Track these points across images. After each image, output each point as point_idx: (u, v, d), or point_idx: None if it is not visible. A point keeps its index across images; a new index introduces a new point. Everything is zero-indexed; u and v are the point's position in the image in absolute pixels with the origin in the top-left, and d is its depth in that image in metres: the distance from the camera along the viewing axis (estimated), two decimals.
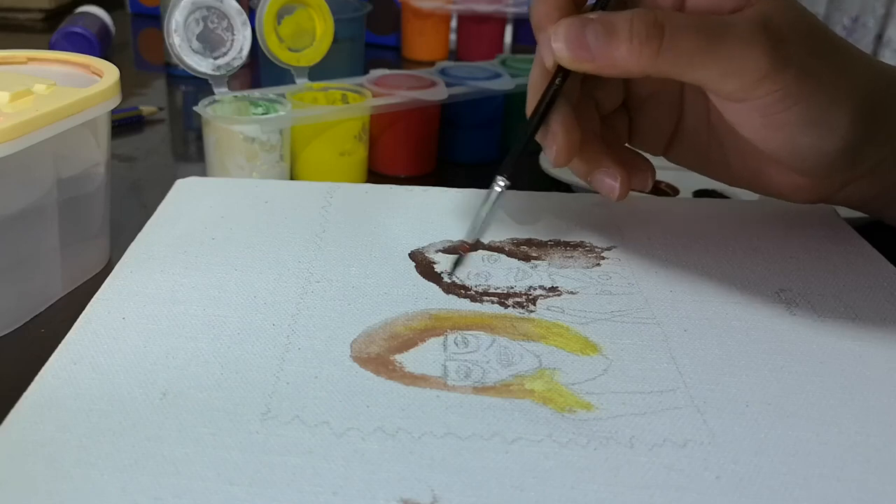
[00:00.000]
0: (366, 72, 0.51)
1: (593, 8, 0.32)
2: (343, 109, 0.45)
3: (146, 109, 0.58)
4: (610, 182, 0.34)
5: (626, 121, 0.37)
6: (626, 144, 0.38)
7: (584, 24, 0.29)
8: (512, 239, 0.36)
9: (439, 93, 0.48)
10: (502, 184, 0.33)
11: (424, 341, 0.29)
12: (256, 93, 0.45)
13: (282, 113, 0.43)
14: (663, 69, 0.29)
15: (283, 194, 0.39)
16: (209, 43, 0.43)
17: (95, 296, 0.30)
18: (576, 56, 0.29)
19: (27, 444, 0.23)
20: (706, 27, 0.29)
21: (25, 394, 0.25)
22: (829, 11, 0.96)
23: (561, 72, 0.32)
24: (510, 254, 0.35)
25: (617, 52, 0.29)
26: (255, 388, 0.26)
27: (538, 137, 0.33)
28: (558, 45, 0.30)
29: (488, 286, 0.32)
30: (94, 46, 0.69)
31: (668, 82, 0.35)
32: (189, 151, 0.54)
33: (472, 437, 0.24)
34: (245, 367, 0.27)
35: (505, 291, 0.32)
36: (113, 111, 0.34)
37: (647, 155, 0.37)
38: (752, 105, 0.30)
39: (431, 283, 0.32)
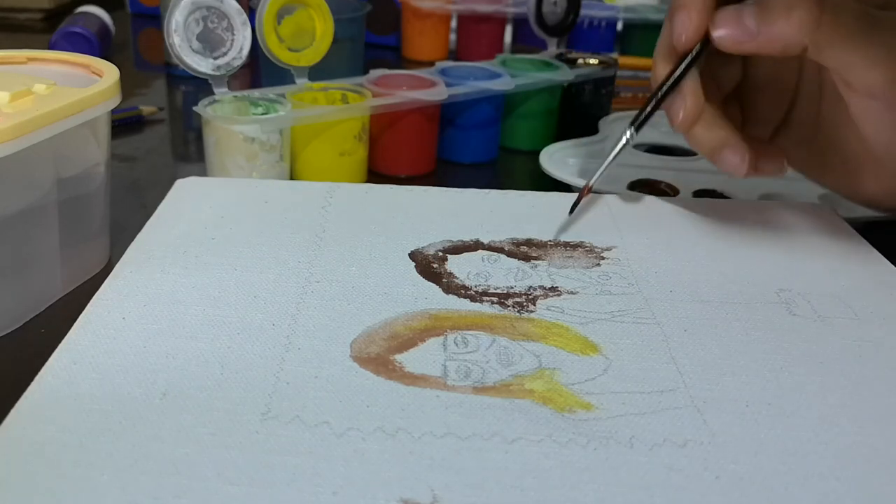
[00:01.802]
0: (366, 72, 0.51)
1: None
2: (343, 109, 0.45)
3: (146, 109, 0.58)
4: (736, 160, 0.34)
5: (738, 109, 0.38)
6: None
7: (741, 9, 0.31)
8: (512, 239, 0.36)
9: (439, 93, 0.48)
10: (629, 134, 0.35)
11: (424, 341, 0.29)
12: (256, 93, 0.45)
13: (282, 113, 0.43)
14: (819, 44, 0.30)
15: (283, 194, 0.39)
16: (209, 43, 0.43)
17: (95, 296, 0.30)
18: (735, 39, 0.31)
19: (27, 444, 0.23)
20: (863, 11, 0.30)
21: (25, 394, 0.25)
22: None
23: (699, 45, 0.34)
24: (510, 254, 0.35)
25: (775, 25, 0.30)
26: (255, 388, 0.26)
27: (664, 105, 0.35)
28: (719, 32, 0.31)
29: (488, 286, 0.32)
30: (94, 46, 0.69)
31: (786, 69, 0.36)
32: (189, 151, 0.54)
33: (472, 437, 0.24)
34: (245, 367, 0.27)
35: (505, 291, 0.32)
36: (113, 111, 0.34)
37: None
38: (883, 102, 0.31)
39: (431, 283, 0.32)
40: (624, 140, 0.35)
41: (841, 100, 0.33)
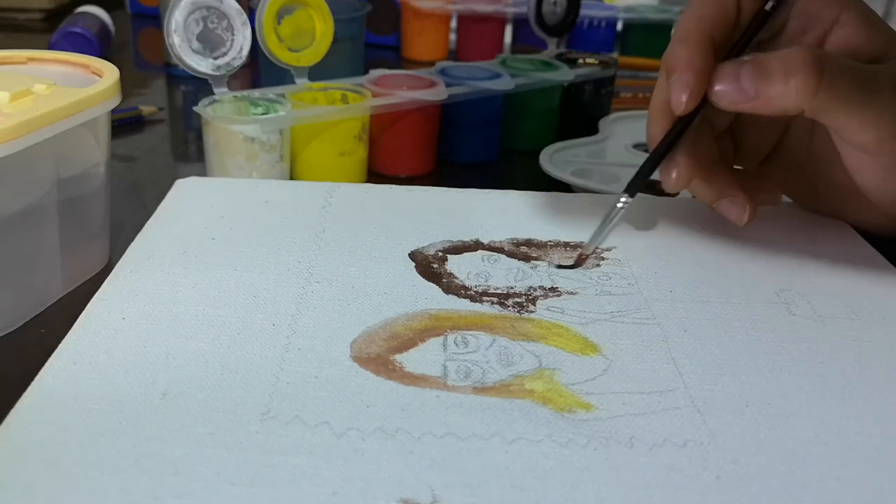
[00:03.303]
0: (366, 72, 0.51)
1: (734, 50, 0.33)
2: (343, 109, 0.45)
3: (146, 109, 0.58)
4: (736, 210, 0.35)
5: (731, 141, 0.38)
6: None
7: (739, 67, 0.30)
8: (512, 239, 0.36)
9: (439, 93, 0.48)
10: (624, 200, 0.34)
11: (424, 341, 0.29)
12: (256, 93, 0.45)
13: (282, 113, 0.43)
14: (817, 110, 0.29)
15: (283, 194, 0.39)
16: (209, 43, 0.43)
17: (95, 296, 0.30)
18: (732, 99, 0.30)
19: (27, 444, 0.23)
20: (861, 72, 0.30)
21: (25, 394, 0.25)
22: None
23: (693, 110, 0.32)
24: (510, 254, 0.35)
25: (773, 91, 0.29)
26: (255, 388, 0.26)
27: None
28: (717, 88, 0.31)
29: (488, 286, 0.32)
30: (94, 46, 0.69)
31: None
32: (189, 151, 0.54)
33: (472, 437, 0.24)
34: (245, 367, 0.26)
35: (505, 291, 0.32)
36: (113, 111, 0.34)
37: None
38: (877, 159, 0.31)
39: (431, 284, 0.32)
40: (620, 206, 0.34)
41: (836, 148, 0.33)
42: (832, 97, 0.29)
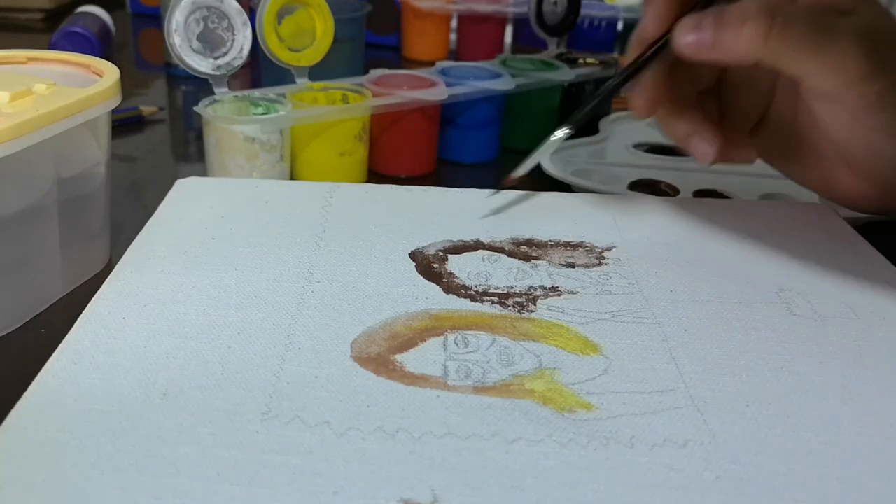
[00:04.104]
0: (366, 72, 0.51)
1: (699, 2, 0.35)
2: (343, 109, 0.45)
3: (146, 109, 0.58)
4: (705, 146, 0.36)
5: (717, 104, 0.39)
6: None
7: (700, 18, 0.32)
8: (512, 239, 0.36)
9: (439, 93, 0.48)
10: (562, 133, 0.37)
11: (425, 341, 0.29)
12: (256, 93, 0.45)
13: (282, 113, 0.43)
14: (771, 55, 0.31)
15: (283, 194, 0.39)
16: (209, 43, 0.43)
17: (95, 296, 0.30)
18: (694, 48, 0.32)
19: (27, 444, 0.23)
20: (814, 20, 0.31)
21: (25, 394, 0.25)
22: None
23: (660, 41, 0.35)
24: (510, 254, 0.35)
25: (728, 37, 0.31)
26: (256, 387, 0.26)
27: (627, 92, 0.36)
28: (679, 39, 0.32)
29: (488, 286, 0.32)
30: (95, 46, 0.69)
31: (763, 69, 0.36)
32: (189, 151, 0.54)
33: (473, 437, 0.24)
34: (245, 367, 0.27)
35: (505, 291, 0.32)
36: (113, 111, 0.34)
37: None
38: (843, 105, 0.32)
39: (432, 283, 0.32)
40: (558, 137, 0.37)
41: (812, 104, 0.34)
42: (784, 41, 0.30)
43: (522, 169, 0.37)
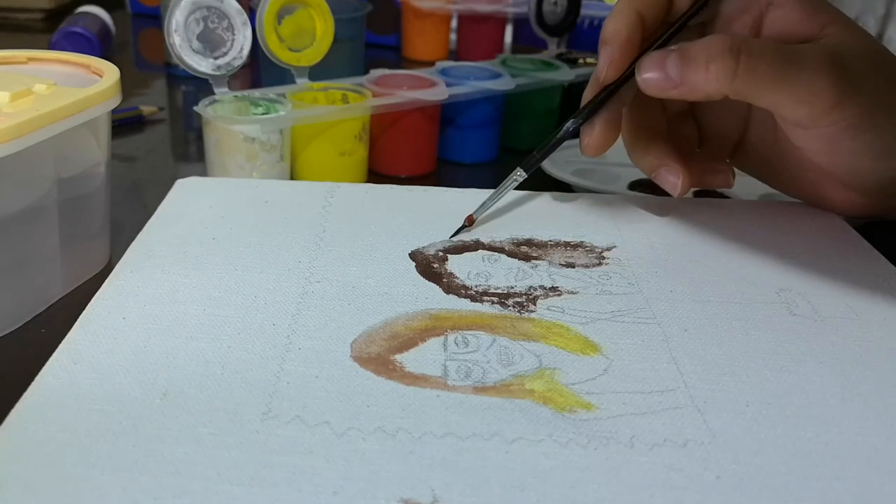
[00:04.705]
0: (366, 72, 0.51)
1: (662, 38, 0.35)
2: (343, 109, 0.45)
3: (146, 109, 0.58)
4: (672, 179, 0.36)
5: (695, 128, 0.39)
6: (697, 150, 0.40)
7: (665, 56, 0.31)
8: (512, 239, 0.36)
9: (439, 93, 0.48)
10: (519, 177, 0.37)
11: (425, 341, 0.29)
12: (256, 93, 0.45)
13: (282, 113, 0.43)
14: (739, 92, 0.31)
15: (283, 194, 0.39)
16: (209, 43, 0.43)
17: (95, 296, 0.30)
18: (658, 86, 0.32)
19: (27, 444, 0.23)
20: (780, 53, 0.30)
21: (25, 394, 0.25)
22: None
23: (616, 83, 0.35)
24: (510, 254, 0.35)
25: (695, 76, 0.31)
26: (256, 387, 0.26)
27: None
28: (643, 76, 0.32)
29: (488, 286, 0.32)
30: (95, 46, 0.69)
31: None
32: (189, 151, 0.54)
33: (473, 437, 0.24)
34: (245, 367, 0.27)
35: (505, 291, 0.32)
36: (113, 111, 0.34)
37: None
38: (818, 132, 0.32)
39: (432, 283, 0.32)
40: (515, 181, 0.37)
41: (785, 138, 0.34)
42: (751, 78, 0.30)
43: (481, 211, 0.37)
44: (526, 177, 0.37)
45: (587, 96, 0.36)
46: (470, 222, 0.36)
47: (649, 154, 0.36)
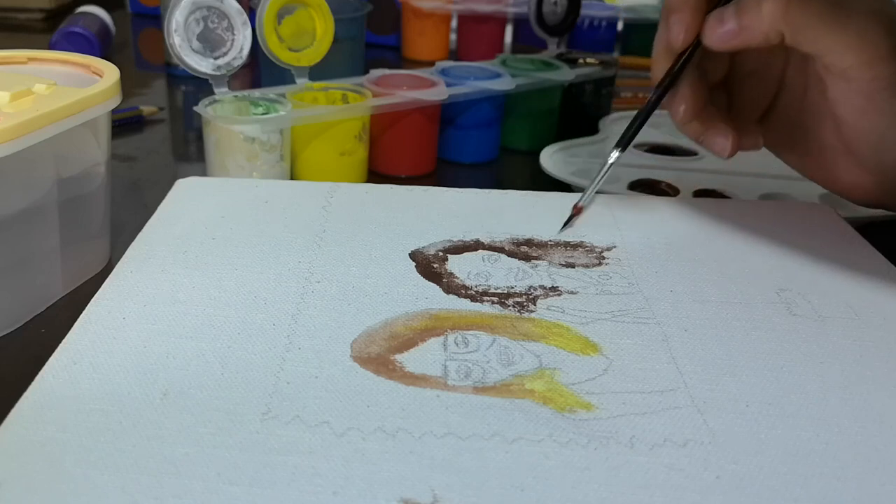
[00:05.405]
0: (366, 72, 0.51)
1: None
2: (343, 109, 0.45)
3: (146, 109, 0.58)
4: (722, 140, 0.37)
5: (725, 97, 0.40)
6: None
7: (723, 11, 0.34)
8: (512, 239, 0.36)
9: (439, 93, 0.48)
10: (615, 157, 0.38)
11: (425, 341, 0.29)
12: (257, 93, 0.45)
13: (282, 113, 0.43)
14: (790, 30, 0.32)
15: (283, 194, 0.39)
16: (209, 43, 0.43)
17: (95, 296, 0.30)
18: (724, 38, 0.34)
19: (27, 444, 0.23)
20: None
21: (25, 394, 0.25)
22: None
23: (691, 47, 0.36)
24: (510, 254, 0.35)
25: (751, 19, 0.32)
26: (256, 387, 0.26)
27: (664, 103, 0.38)
28: (707, 36, 0.34)
29: (488, 286, 0.32)
30: (95, 46, 0.69)
31: (772, 60, 0.38)
32: (189, 151, 0.54)
33: (473, 437, 0.24)
34: (245, 367, 0.27)
35: (505, 291, 0.32)
36: (113, 111, 0.34)
37: None
38: (858, 86, 0.33)
39: (432, 283, 0.32)
40: (611, 161, 0.38)
41: (824, 89, 0.35)
42: (805, 18, 0.32)
43: (587, 198, 0.38)
44: (621, 155, 0.38)
45: (660, 68, 0.37)
46: (577, 212, 0.37)
47: (697, 119, 0.37)
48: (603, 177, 0.38)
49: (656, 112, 0.38)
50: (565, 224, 0.37)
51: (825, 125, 0.36)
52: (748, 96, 0.40)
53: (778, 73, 0.38)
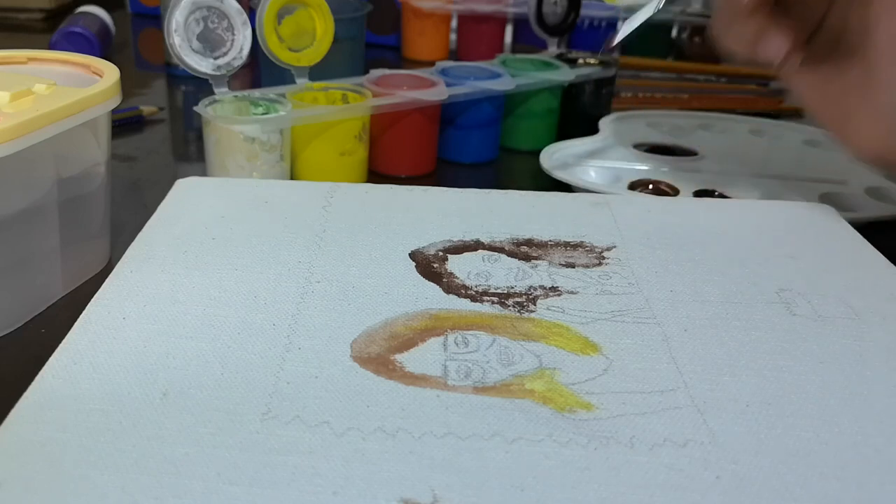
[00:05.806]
0: (366, 72, 0.51)
1: None
2: (343, 109, 0.45)
3: (146, 109, 0.58)
4: (779, 42, 0.37)
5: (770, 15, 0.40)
6: None
7: None
8: (512, 239, 0.36)
9: (439, 93, 0.48)
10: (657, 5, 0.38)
11: (424, 341, 0.29)
12: (257, 93, 0.45)
13: (282, 113, 0.43)
14: None
15: (283, 194, 0.39)
16: (209, 43, 0.43)
17: (95, 296, 0.30)
18: None
19: (27, 444, 0.23)
20: None
21: (25, 394, 0.25)
22: None
23: None
24: (510, 254, 0.35)
25: None
26: (256, 387, 0.26)
27: None
28: None
29: (488, 286, 0.32)
30: (95, 46, 0.69)
31: None
32: (189, 151, 0.54)
33: (473, 437, 0.24)
34: (245, 367, 0.27)
35: (505, 291, 0.32)
36: (113, 111, 0.34)
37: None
38: None
39: (432, 283, 0.32)
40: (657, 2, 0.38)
41: (868, 7, 0.35)
42: None
43: (620, 35, 0.38)
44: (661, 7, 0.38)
45: None
46: (609, 43, 0.38)
47: (750, 22, 0.37)
48: (637, 18, 0.38)
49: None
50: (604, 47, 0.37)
51: (859, 60, 0.36)
52: (797, 15, 0.39)
53: None
